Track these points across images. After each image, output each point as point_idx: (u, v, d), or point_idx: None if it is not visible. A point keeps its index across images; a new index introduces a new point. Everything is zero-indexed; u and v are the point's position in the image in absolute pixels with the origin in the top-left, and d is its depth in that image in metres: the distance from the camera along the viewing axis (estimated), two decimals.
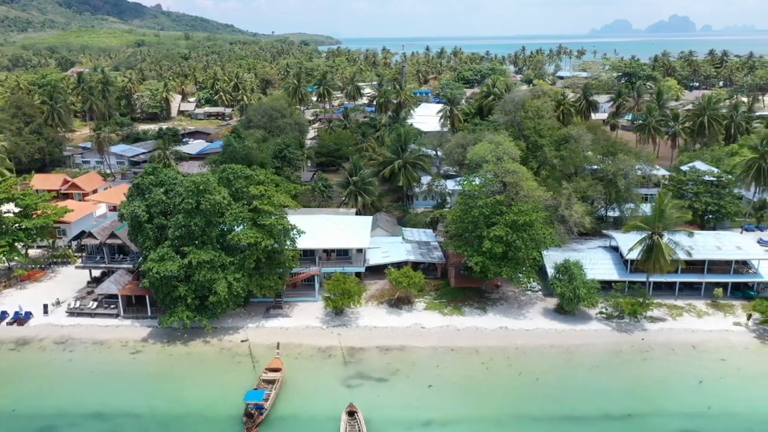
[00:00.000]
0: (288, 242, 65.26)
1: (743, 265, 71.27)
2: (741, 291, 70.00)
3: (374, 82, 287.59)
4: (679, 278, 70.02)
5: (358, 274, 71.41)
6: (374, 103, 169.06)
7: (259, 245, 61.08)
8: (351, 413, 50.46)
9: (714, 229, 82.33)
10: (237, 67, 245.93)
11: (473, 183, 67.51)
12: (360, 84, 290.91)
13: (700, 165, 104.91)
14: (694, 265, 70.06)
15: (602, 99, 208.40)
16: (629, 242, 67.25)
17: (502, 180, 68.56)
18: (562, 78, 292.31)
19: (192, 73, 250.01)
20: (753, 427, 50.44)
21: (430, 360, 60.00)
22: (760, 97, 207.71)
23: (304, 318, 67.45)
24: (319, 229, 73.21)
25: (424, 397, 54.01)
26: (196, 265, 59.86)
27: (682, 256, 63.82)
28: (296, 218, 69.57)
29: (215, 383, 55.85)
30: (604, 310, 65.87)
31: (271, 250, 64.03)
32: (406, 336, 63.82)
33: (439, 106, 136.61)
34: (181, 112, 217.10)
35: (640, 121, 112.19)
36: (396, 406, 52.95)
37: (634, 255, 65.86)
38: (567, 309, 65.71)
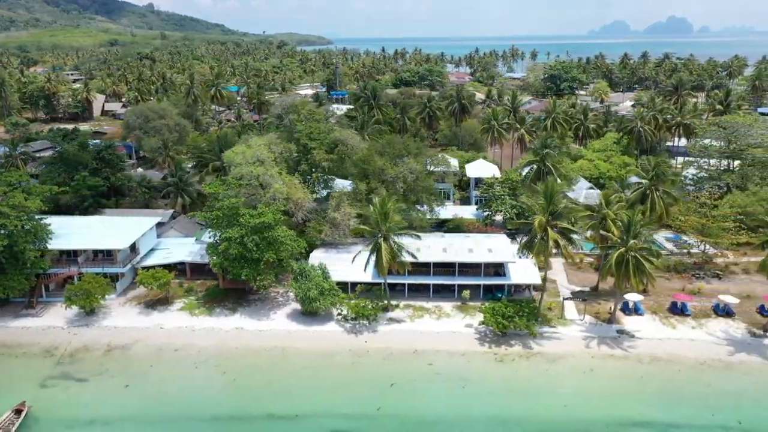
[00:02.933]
0: (34, 243, 66.28)
1: (501, 267, 72.05)
2: (492, 293, 70.82)
3: (317, 83, 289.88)
4: (432, 280, 71.06)
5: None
6: None
7: None
8: (18, 411, 51.46)
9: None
10: (168, 68, 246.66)
11: (216, 185, 68.46)
12: (303, 85, 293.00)
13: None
14: (447, 267, 71.10)
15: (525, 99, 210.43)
16: None
17: (259, 181, 69.54)
18: (513, 78, 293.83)
19: (122, 73, 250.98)
20: (411, 428, 51.41)
21: (147, 360, 60.95)
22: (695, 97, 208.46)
23: (53, 318, 68.38)
24: (87, 230, 74.22)
25: (111, 397, 55.00)
26: None
27: (409, 259, 64.70)
28: (63, 220, 70.16)
29: None
30: (341, 311, 66.72)
31: (16, 251, 65.01)
32: (140, 336, 64.67)
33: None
34: (105, 112, 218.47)
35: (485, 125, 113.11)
36: (76, 405, 53.92)
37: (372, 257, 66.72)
38: (305, 310, 66.58)
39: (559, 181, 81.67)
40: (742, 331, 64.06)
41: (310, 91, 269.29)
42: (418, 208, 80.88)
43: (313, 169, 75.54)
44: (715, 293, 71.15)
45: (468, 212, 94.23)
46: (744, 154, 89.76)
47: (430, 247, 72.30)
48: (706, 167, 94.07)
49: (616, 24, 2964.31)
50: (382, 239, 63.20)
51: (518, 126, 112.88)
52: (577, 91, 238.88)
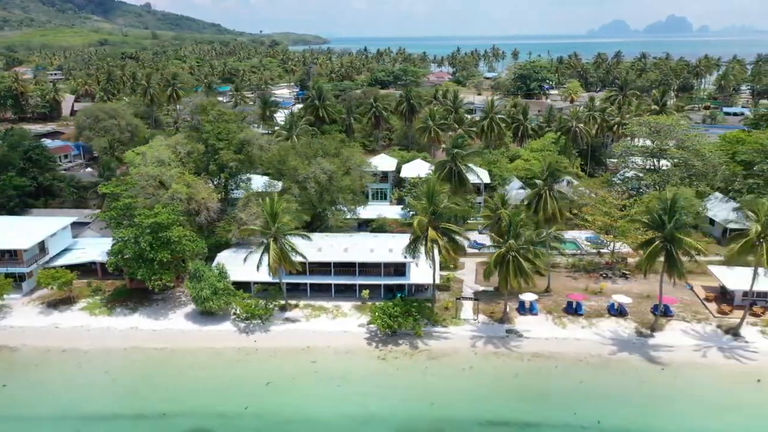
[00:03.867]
0: None
1: (402, 267, 72.36)
2: (392, 293, 71.18)
3: (292, 83, 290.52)
4: (333, 280, 71.52)
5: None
6: None
7: None
8: None
9: None
10: (140, 68, 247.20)
11: (113, 186, 68.93)
12: (281, 84, 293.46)
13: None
14: (349, 267, 71.52)
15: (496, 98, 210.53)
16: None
17: (158, 182, 69.99)
18: (488, 78, 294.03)
19: (95, 74, 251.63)
20: (272, 427, 51.89)
21: (33, 360, 61.44)
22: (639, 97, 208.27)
23: None
24: None
25: None
26: None
27: (298, 259, 65.13)
28: None
29: None
30: (236, 311, 67.14)
31: None
32: (32, 336, 64.97)
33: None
34: (74, 112, 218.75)
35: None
36: None
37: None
38: (201, 310, 67.02)
39: (474, 180, 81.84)
40: (630, 331, 64.37)
41: (286, 91, 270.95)
42: (343, 208, 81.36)
43: (223, 170, 75.88)
44: (617, 293, 71.53)
45: (395, 212, 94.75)
46: (665, 155, 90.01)
47: (332, 247, 72.81)
48: (631, 166, 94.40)
49: (615, 23, 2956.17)
50: (271, 240, 63.51)
51: (456, 126, 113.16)
52: (548, 91, 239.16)
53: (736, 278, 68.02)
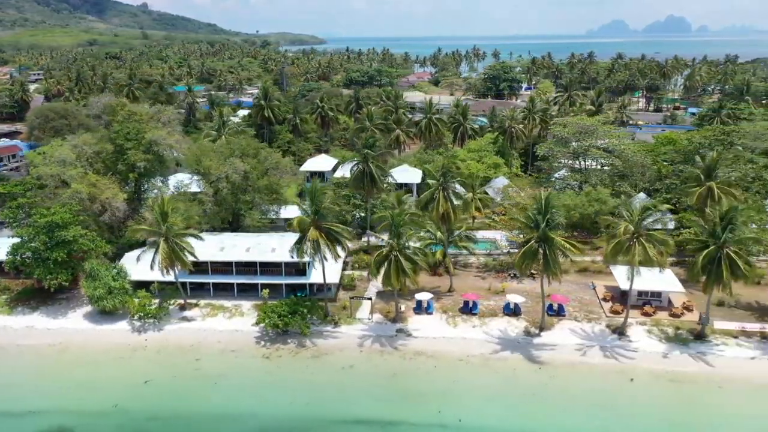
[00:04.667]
0: None
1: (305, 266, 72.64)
2: (294, 292, 71.47)
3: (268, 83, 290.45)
4: (235, 279, 71.75)
5: None
6: None
7: None
8: None
9: None
10: (114, 68, 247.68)
11: (11, 185, 69.34)
12: (258, 84, 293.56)
13: (405, 168, 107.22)
14: (251, 267, 71.85)
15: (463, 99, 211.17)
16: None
17: (59, 181, 70.38)
18: (465, 79, 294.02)
19: (67, 74, 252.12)
20: (137, 424, 52.28)
21: None
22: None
23: None
24: None
25: None
26: None
27: (190, 258, 65.47)
28: None
29: None
30: (132, 310, 67.45)
31: None
32: None
33: None
34: None
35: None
36: None
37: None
38: (100, 309, 67.33)
39: (388, 180, 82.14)
40: (519, 330, 64.61)
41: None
42: (264, 208, 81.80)
43: (132, 170, 76.22)
44: (520, 292, 71.86)
45: None
46: (587, 155, 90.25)
47: (235, 247, 73.16)
48: (556, 166, 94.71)
49: (614, 23, 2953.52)
50: (162, 239, 63.81)
51: (395, 126, 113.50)
52: (523, 91, 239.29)
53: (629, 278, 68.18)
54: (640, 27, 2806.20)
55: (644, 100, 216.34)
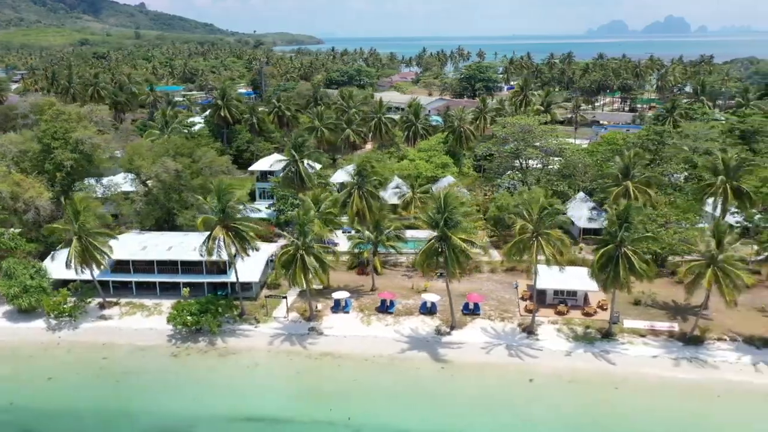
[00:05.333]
0: None
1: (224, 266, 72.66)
2: (216, 291, 71.61)
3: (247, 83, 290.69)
4: (156, 278, 71.97)
5: None
6: None
7: None
8: None
9: None
10: (96, 68, 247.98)
11: None
12: (240, 84, 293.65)
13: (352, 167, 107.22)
14: (172, 266, 72.08)
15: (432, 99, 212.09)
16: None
17: None
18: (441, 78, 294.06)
19: (44, 73, 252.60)
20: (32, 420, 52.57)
21: None
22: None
23: None
24: None
25: None
26: None
27: (115, 256, 65.88)
28: None
29: None
30: (47, 308, 67.63)
31: None
32: None
33: None
34: None
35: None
36: None
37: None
38: (16, 307, 67.57)
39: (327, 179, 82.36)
40: (430, 329, 64.78)
41: (243, 91, 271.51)
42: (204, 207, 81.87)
43: (59, 168, 76.47)
44: (441, 291, 72.05)
45: (266, 212, 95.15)
46: (522, 154, 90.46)
47: (157, 246, 73.36)
48: (497, 165, 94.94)
49: (614, 23, 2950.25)
50: (75, 238, 64.02)
51: (345, 126, 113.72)
52: (499, 92, 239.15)
53: (549, 277, 68.45)
54: (640, 27, 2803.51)
55: (620, 101, 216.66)
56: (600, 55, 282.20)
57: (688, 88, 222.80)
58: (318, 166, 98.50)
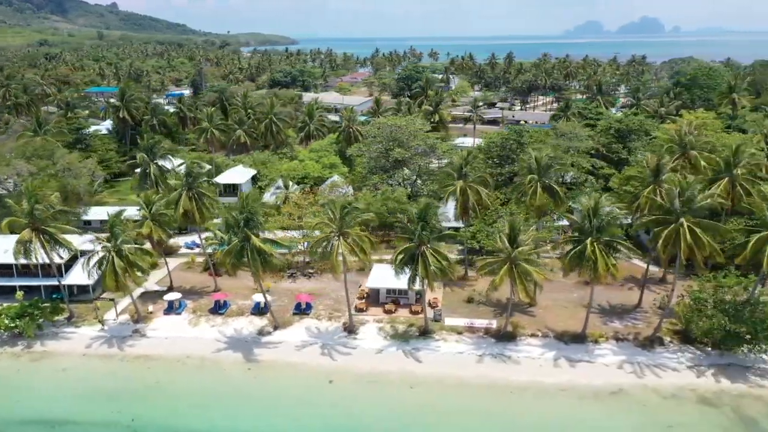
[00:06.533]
0: None
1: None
2: (51, 294, 70.99)
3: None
4: None
5: None
6: None
7: None
8: None
9: None
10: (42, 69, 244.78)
11: None
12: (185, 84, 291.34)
13: (239, 168, 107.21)
14: (7, 269, 71.30)
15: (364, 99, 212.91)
16: None
17: None
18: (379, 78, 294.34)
19: None
20: None
21: None
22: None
23: None
24: None
25: None
26: None
27: None
28: None
29: None
30: None
31: None
32: None
33: None
34: None
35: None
36: None
37: None
38: None
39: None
40: (253, 329, 64.95)
41: (187, 91, 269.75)
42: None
43: None
44: (286, 291, 72.44)
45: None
46: (390, 155, 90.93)
47: None
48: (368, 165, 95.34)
49: (589, 24, 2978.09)
50: None
51: (236, 126, 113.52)
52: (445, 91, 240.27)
53: (382, 276, 69.07)
54: (615, 28, 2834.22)
55: (555, 101, 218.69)
56: (545, 55, 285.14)
57: (623, 89, 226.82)
58: (207, 167, 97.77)
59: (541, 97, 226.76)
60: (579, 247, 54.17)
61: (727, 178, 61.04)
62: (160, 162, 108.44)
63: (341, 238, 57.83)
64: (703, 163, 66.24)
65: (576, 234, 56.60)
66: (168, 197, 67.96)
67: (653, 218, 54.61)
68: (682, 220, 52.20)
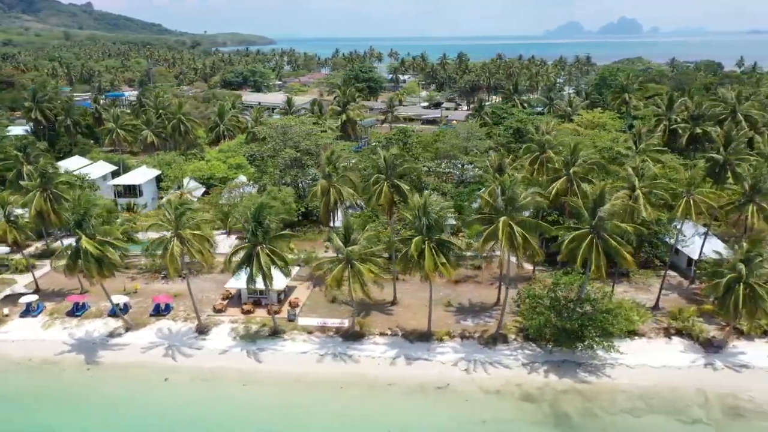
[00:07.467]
0: None
1: None
2: None
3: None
4: None
5: None
6: None
7: None
8: None
9: None
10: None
11: None
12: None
13: (143, 169, 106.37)
14: None
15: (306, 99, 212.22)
16: None
17: None
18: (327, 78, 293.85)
19: None
20: None
21: None
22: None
23: None
24: None
25: None
26: None
27: None
28: None
29: None
30: None
31: None
32: None
33: None
34: None
35: None
36: None
37: None
38: None
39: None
40: (104, 332, 64.35)
41: (115, 93, 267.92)
42: None
43: None
44: (161, 292, 71.98)
45: None
46: (279, 154, 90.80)
47: None
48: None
49: (570, 24, 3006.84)
50: None
51: (144, 127, 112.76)
52: (384, 92, 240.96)
53: (243, 277, 68.75)
54: (595, 28, 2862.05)
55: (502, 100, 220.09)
56: (499, 56, 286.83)
57: (570, 90, 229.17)
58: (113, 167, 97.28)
59: (494, 97, 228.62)
60: (407, 248, 54.52)
61: (564, 177, 61.83)
62: (67, 162, 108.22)
63: (177, 239, 57.55)
64: (557, 164, 67.08)
65: (411, 233, 56.91)
66: (25, 198, 67.17)
67: (478, 217, 55.12)
68: (503, 218, 52.73)
